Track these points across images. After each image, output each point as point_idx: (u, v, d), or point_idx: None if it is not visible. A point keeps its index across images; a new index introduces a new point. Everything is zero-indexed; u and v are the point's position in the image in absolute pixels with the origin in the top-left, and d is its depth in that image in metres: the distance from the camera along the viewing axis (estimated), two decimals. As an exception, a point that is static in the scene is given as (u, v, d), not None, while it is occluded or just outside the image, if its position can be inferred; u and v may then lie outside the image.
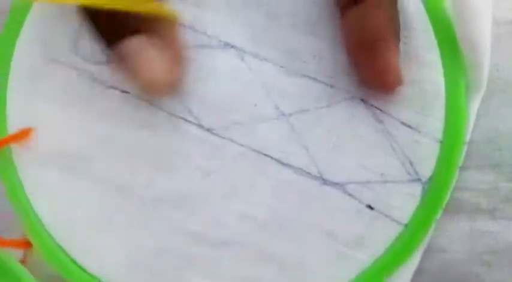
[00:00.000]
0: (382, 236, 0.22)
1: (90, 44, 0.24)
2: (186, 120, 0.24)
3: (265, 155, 0.23)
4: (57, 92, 0.24)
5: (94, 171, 0.24)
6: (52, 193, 0.24)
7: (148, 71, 0.22)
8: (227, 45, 0.24)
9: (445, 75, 0.22)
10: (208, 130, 0.24)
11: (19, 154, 0.24)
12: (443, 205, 0.22)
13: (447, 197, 0.22)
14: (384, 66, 0.21)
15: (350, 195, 0.22)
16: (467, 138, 0.23)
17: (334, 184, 0.23)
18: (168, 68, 0.22)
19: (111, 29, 0.22)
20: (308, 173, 0.23)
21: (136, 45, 0.21)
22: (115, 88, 0.24)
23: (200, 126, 0.24)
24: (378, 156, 0.22)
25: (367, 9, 0.20)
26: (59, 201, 0.24)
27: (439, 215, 0.22)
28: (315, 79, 0.23)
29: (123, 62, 0.22)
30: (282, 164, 0.23)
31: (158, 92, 0.23)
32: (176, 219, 0.24)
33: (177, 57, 0.23)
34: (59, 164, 0.24)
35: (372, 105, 0.23)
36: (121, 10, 0.20)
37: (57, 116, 0.24)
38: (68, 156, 0.24)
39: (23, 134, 0.24)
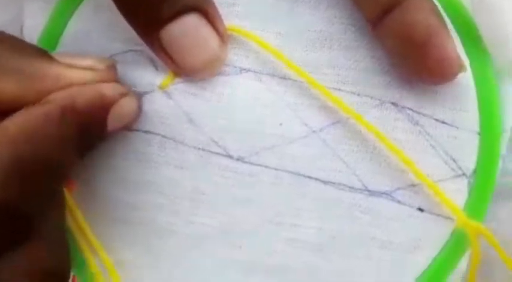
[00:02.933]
0: (436, 236, 0.22)
1: None
2: (213, 152, 0.23)
3: (302, 175, 0.22)
4: None
5: (136, 216, 0.23)
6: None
7: (206, 50, 0.21)
8: (243, 70, 0.23)
9: (471, 65, 0.22)
10: (239, 159, 0.23)
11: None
12: (491, 195, 0.22)
13: (494, 187, 0.22)
14: (446, 54, 0.20)
15: (399, 202, 0.22)
16: (510, 124, 0.22)
17: (381, 194, 0.22)
18: (222, 45, 0.22)
19: (154, 11, 0.21)
20: (351, 187, 0.22)
21: (191, 24, 0.21)
22: (138, 130, 0.23)
23: (229, 156, 0.23)
24: (420, 158, 0.22)
25: (411, 6, 0.20)
26: (106, 246, 0.24)
27: (488, 206, 0.22)
28: (339, 90, 0.22)
29: (173, 45, 0.21)
30: (323, 182, 0.22)
31: (213, 72, 0.22)
32: (223, 253, 0.23)
33: (224, 31, 0.22)
34: (103, 212, 0.24)
35: (404, 107, 0.22)
36: None
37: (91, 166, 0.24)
38: (111, 204, 0.24)
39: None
